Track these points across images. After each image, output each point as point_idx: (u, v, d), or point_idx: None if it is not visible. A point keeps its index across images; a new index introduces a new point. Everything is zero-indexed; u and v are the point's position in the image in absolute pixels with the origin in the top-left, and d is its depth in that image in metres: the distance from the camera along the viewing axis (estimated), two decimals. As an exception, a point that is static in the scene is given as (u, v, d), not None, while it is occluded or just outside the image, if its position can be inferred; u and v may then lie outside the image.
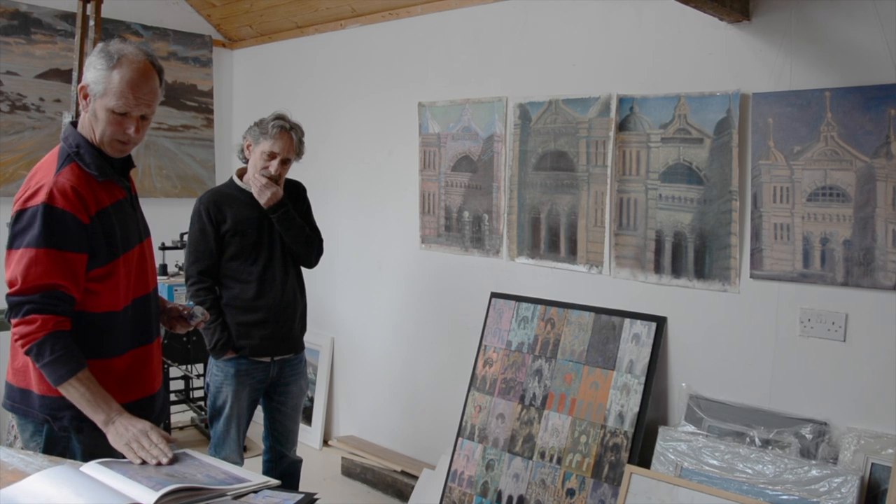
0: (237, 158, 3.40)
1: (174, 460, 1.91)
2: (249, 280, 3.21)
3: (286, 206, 3.24)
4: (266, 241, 3.24)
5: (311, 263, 3.45)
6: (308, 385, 3.60)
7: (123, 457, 1.95)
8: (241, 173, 3.33)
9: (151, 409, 2.28)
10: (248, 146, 3.26)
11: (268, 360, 3.28)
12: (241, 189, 3.27)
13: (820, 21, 2.82)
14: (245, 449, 4.59)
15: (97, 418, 2.01)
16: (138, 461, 1.89)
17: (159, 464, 1.88)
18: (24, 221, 2.02)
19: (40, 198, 2.02)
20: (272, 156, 3.19)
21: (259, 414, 3.47)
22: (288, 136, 3.21)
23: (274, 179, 3.21)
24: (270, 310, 3.24)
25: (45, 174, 2.08)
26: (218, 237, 3.19)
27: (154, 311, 2.32)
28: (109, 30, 4.78)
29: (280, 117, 3.23)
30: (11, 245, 2.05)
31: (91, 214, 2.07)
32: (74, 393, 2.01)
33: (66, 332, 2.03)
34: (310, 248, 3.37)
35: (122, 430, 1.97)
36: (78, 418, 2.06)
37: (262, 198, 3.19)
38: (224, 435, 3.29)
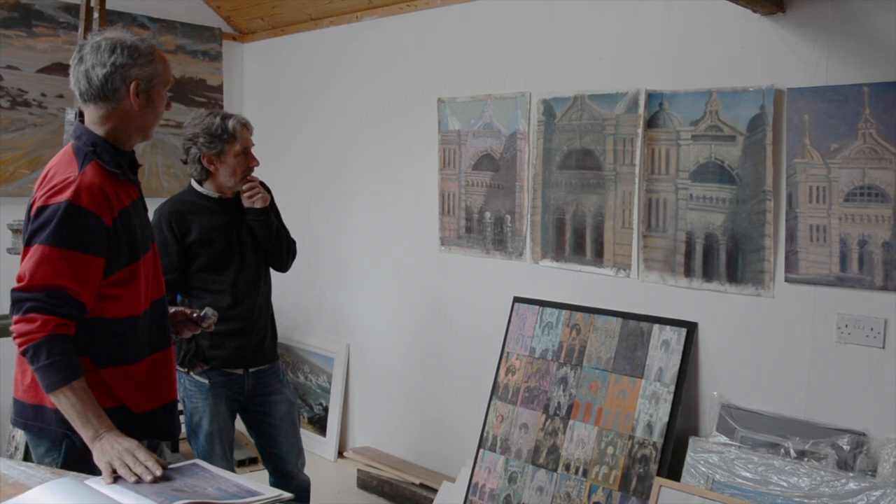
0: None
1: (165, 478, 1.93)
2: (222, 289, 3.22)
3: (269, 208, 3.31)
4: (236, 248, 3.25)
5: (287, 267, 3.48)
6: (295, 394, 3.59)
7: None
8: (201, 179, 3.27)
9: (174, 414, 2.35)
10: (209, 159, 3.18)
11: (241, 371, 3.28)
12: (203, 196, 3.25)
13: (858, 13, 2.87)
14: (255, 461, 4.68)
15: (85, 433, 2.02)
16: (110, 480, 1.91)
17: (160, 479, 1.91)
18: (44, 218, 2.04)
19: (66, 195, 2.04)
20: (246, 152, 3.21)
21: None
22: (245, 126, 3.22)
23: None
24: (246, 318, 3.26)
25: (66, 171, 2.09)
26: (182, 250, 3.18)
27: (167, 314, 2.40)
28: (114, 22, 4.85)
29: (225, 116, 3.21)
30: (29, 242, 2.06)
31: (114, 216, 2.11)
32: (65, 402, 2.02)
33: (67, 337, 2.04)
34: (289, 251, 3.43)
35: (108, 448, 1.99)
36: None
37: (258, 201, 3.24)
38: (209, 452, 3.26)
